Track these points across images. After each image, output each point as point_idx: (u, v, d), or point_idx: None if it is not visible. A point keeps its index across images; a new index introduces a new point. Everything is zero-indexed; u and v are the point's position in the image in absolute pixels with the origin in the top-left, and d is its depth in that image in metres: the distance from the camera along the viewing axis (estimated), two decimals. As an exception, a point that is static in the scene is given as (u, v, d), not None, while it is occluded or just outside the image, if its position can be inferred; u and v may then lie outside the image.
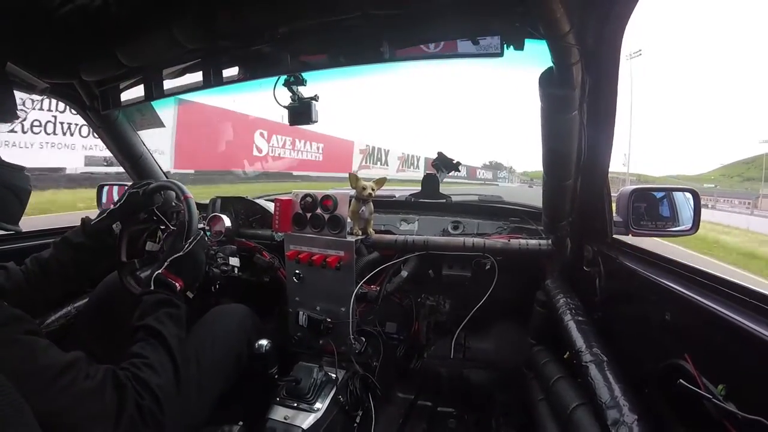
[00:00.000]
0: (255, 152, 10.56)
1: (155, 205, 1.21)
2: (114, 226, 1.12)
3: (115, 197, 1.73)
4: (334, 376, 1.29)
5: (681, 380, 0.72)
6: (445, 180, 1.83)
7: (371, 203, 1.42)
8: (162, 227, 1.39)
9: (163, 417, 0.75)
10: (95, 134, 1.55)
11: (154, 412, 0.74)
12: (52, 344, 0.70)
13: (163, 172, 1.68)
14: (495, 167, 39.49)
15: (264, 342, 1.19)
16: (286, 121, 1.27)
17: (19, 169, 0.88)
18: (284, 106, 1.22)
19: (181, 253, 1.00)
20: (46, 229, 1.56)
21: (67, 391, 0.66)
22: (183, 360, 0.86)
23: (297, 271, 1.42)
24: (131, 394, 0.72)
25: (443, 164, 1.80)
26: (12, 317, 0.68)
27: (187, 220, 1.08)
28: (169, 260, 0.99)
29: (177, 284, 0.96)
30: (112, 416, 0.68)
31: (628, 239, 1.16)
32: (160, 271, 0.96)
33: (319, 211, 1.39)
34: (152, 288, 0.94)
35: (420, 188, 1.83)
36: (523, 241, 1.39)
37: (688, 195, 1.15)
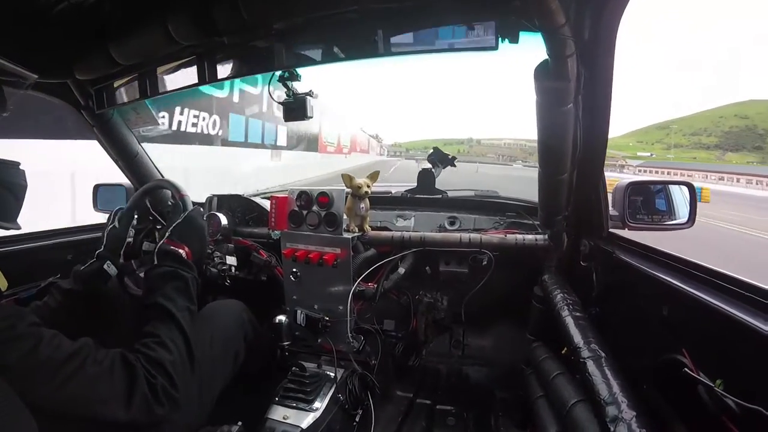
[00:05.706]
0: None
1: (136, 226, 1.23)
2: (105, 266, 1.08)
3: (112, 198, 1.71)
4: (332, 374, 1.28)
5: (686, 369, 0.72)
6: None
7: (367, 200, 1.42)
8: (158, 227, 1.38)
9: (177, 392, 0.76)
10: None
11: (167, 389, 0.75)
12: (58, 334, 0.70)
13: (158, 171, 1.67)
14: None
15: (282, 317, 1.36)
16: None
17: (13, 165, 0.87)
18: (279, 102, 1.21)
19: (180, 220, 1.01)
20: (49, 231, 1.54)
21: (75, 378, 0.66)
22: (192, 334, 0.86)
23: (294, 270, 1.42)
24: (142, 374, 0.73)
25: (439, 159, 1.79)
26: (14, 314, 0.68)
27: (180, 197, 1.11)
28: (170, 229, 0.99)
29: (182, 251, 0.96)
30: (123, 397, 0.69)
31: (625, 233, 1.16)
32: (163, 241, 0.96)
33: (315, 208, 1.39)
34: (156, 262, 0.93)
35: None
36: (519, 236, 1.39)
37: (684, 188, 1.15)
